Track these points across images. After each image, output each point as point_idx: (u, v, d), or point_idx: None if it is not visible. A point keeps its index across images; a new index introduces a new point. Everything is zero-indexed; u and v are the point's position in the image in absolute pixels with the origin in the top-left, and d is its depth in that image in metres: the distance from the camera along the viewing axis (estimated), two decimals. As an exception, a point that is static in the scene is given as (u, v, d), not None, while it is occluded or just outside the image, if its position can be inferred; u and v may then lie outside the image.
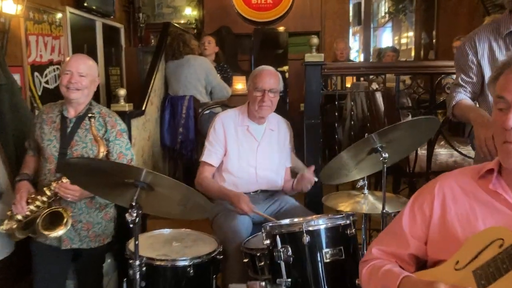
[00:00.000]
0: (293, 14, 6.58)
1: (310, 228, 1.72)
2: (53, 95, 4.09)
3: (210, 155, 2.57)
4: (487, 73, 2.02)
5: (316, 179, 2.45)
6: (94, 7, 5.32)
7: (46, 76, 4.26)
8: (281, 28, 6.55)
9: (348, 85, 5.36)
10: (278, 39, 6.45)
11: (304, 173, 2.45)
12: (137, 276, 1.77)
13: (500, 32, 2.01)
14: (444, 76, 2.66)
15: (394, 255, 1.40)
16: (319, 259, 1.72)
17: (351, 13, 7.17)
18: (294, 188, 2.56)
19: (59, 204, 2.33)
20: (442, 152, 2.96)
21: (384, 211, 1.94)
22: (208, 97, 4.20)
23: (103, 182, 1.78)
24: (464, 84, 2.08)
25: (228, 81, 4.49)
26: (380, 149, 1.93)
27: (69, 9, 4.75)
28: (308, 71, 2.71)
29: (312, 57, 2.70)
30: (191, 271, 1.99)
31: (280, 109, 2.73)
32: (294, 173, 2.69)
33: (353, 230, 1.74)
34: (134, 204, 1.71)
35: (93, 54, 5.50)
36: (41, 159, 2.43)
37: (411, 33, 8.45)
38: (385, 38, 11.86)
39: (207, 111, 4.00)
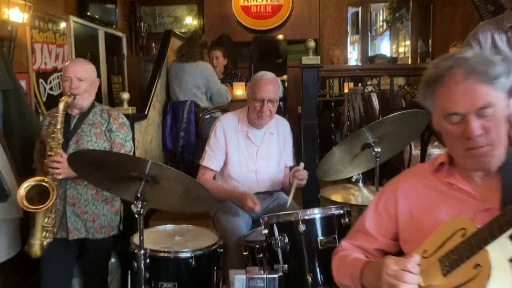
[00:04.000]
0: (291, 23, 6.70)
1: (306, 217, 1.81)
2: (57, 101, 4.21)
3: (210, 159, 2.63)
4: None
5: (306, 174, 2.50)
6: (96, 16, 5.48)
7: (50, 83, 4.37)
8: (280, 36, 6.67)
9: (346, 90, 5.48)
10: (277, 47, 6.56)
11: (296, 168, 2.52)
12: (142, 265, 1.85)
13: (502, 26, 2.16)
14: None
15: (362, 248, 1.49)
16: (313, 246, 1.80)
17: (349, 22, 7.30)
18: (292, 183, 2.60)
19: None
20: (436, 152, 3.05)
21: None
22: (208, 102, 4.30)
23: (110, 176, 1.87)
24: None
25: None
26: (372, 144, 2.03)
27: (72, 18, 4.89)
28: (305, 73, 2.81)
29: (309, 59, 2.80)
30: (193, 262, 2.08)
31: (280, 114, 2.80)
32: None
33: (347, 220, 1.83)
34: (139, 196, 1.80)
35: (96, 62, 5.60)
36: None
37: (408, 42, 8.56)
38: (384, 47, 12.00)
39: (208, 116, 4.10)
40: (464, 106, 1.21)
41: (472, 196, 1.29)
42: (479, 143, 1.22)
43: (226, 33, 6.65)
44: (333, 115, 3.23)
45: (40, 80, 4.21)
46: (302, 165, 2.47)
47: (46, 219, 2.37)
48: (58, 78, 4.46)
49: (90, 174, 1.89)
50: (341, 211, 1.85)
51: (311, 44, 2.80)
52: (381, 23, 11.06)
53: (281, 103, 6.05)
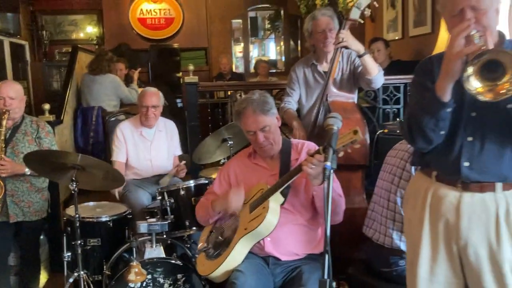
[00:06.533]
0: (184, 33, 7.69)
1: (184, 186, 2.91)
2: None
3: (117, 154, 3.50)
4: (302, 89, 3.28)
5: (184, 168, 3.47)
6: (1, 29, 5.99)
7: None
8: (175, 44, 7.62)
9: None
10: (172, 53, 7.51)
11: (178, 165, 3.44)
12: (77, 224, 2.75)
13: (308, 63, 3.27)
14: (279, 91, 3.98)
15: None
16: (189, 203, 2.89)
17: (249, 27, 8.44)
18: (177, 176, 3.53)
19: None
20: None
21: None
22: (114, 107, 5.21)
23: (51, 167, 2.74)
24: (291, 95, 3.31)
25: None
26: (227, 139, 3.16)
27: (-21, 32, 5.42)
28: (187, 88, 3.89)
29: (190, 79, 3.90)
30: (110, 224, 2.99)
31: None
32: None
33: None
34: (73, 179, 2.72)
35: (2, 70, 6.14)
36: None
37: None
38: (271, 48, 13.48)
39: (113, 118, 5.00)
40: (253, 127, 2.31)
41: (266, 169, 2.43)
42: (263, 145, 2.34)
43: (125, 41, 7.36)
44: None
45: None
46: (183, 162, 3.44)
47: None
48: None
49: (38, 167, 2.79)
50: (207, 181, 2.97)
51: (191, 67, 3.89)
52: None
53: (179, 100, 7.02)
